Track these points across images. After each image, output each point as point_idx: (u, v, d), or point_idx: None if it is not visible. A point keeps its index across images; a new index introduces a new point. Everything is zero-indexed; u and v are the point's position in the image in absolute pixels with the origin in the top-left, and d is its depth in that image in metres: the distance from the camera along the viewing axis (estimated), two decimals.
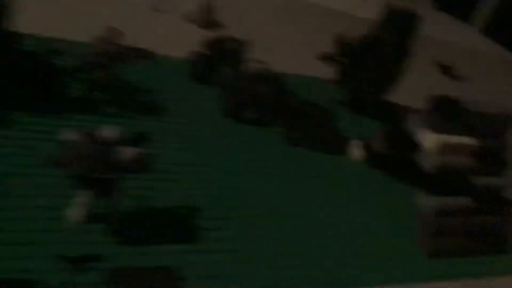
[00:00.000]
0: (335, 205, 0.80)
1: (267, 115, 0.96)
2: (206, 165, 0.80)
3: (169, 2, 1.40)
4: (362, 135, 0.99)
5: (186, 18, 1.36)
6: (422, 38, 2.01)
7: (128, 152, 0.54)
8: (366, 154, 0.93)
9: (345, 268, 0.68)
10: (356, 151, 0.96)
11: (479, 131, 0.79)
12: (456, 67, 1.69)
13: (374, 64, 1.06)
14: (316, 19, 1.78)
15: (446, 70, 1.65)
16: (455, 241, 0.75)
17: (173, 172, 0.75)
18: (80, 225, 0.60)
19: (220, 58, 1.00)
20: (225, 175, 0.79)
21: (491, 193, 0.79)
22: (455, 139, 0.76)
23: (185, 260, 0.61)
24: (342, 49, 1.05)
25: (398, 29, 1.01)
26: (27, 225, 0.58)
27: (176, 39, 1.23)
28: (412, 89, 1.45)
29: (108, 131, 0.55)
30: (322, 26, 1.69)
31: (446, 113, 0.76)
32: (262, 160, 0.86)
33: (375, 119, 1.13)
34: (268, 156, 0.88)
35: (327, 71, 1.14)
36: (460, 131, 0.77)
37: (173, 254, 0.61)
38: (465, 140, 0.77)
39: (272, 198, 0.77)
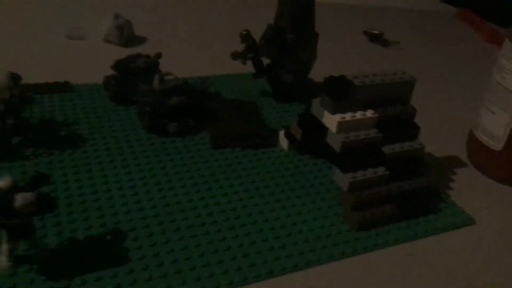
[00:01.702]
0: (264, 200, 0.82)
1: (189, 124, 0.98)
2: (132, 186, 0.81)
3: (85, 27, 1.40)
4: (288, 123, 1.02)
5: (105, 40, 1.37)
6: (351, 8, 2.05)
7: (20, 198, 0.56)
8: (290, 142, 0.96)
9: (277, 257, 0.71)
10: (284, 141, 0.98)
11: (378, 102, 0.82)
12: (386, 33, 1.73)
13: (284, 53, 1.09)
14: (229, 12, 1.80)
15: (375, 38, 1.68)
16: (379, 210, 0.79)
17: (100, 199, 0.77)
18: (9, 270, 0.62)
19: (133, 76, 1.02)
20: (151, 192, 0.81)
21: (403, 158, 0.83)
22: (354, 115, 0.79)
23: (118, 283, 0.63)
24: (248, 45, 1.07)
25: (293, 15, 1.03)
26: None
27: (96, 63, 1.24)
28: (345, 63, 1.49)
29: (1, 181, 0.57)
30: (236, 20, 1.70)
31: (339, 92, 0.79)
32: (190, 169, 0.88)
33: (304, 105, 1.16)
34: (198, 164, 0.90)
35: (245, 67, 1.16)
36: (358, 106, 0.81)
37: (105, 279, 0.64)
38: (365, 114, 0.80)
39: (203, 205, 0.79)
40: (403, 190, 0.81)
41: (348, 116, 0.79)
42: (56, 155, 0.86)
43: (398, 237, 0.77)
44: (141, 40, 1.39)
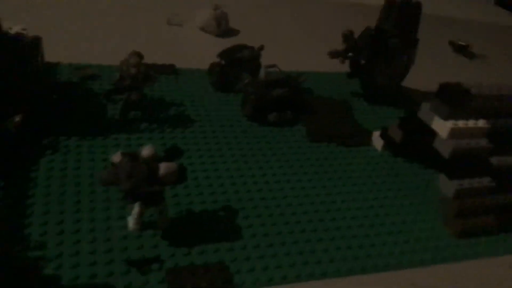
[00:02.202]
0: (362, 196, 0.84)
1: (288, 116, 1.02)
2: (238, 169, 0.86)
3: (183, 14, 1.46)
4: (382, 125, 1.03)
5: (201, 29, 1.42)
6: (438, 19, 2.02)
7: (164, 167, 0.61)
8: (385, 143, 0.97)
9: (380, 253, 0.73)
10: (377, 142, 1.00)
11: (491, 113, 0.82)
12: (471, 45, 1.70)
13: (383, 56, 1.09)
14: (322, 11, 1.82)
15: (460, 49, 1.66)
16: (481, 220, 0.79)
17: (210, 177, 0.82)
18: (136, 232, 0.68)
19: (236, 65, 1.06)
20: (256, 176, 0.84)
21: (510, 171, 0.82)
22: (466, 123, 0.80)
23: (234, 257, 0.67)
24: (349, 45, 1.09)
25: (399, 20, 1.04)
26: (92, 236, 0.66)
27: (194, 50, 1.30)
28: (429, 71, 1.47)
29: (146, 150, 0.62)
30: (330, 19, 1.72)
31: (455, 99, 0.79)
32: (289, 159, 0.91)
33: (393, 108, 1.17)
34: (295, 154, 0.93)
35: (341, 66, 1.18)
36: (471, 115, 0.81)
37: (222, 251, 0.68)
38: (477, 123, 0.80)
39: (305, 194, 0.82)
40: (507, 203, 0.80)
41: (460, 123, 0.79)
42: (168, 132, 0.91)
43: (498, 248, 0.77)
44: (235, 32, 1.44)
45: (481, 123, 0.81)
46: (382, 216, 0.81)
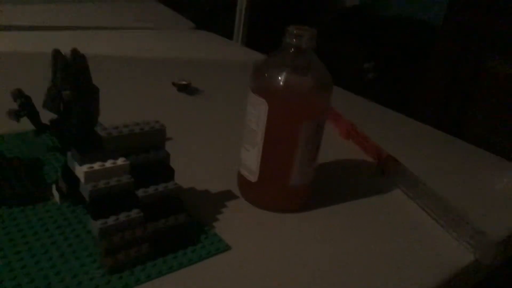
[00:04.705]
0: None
1: None
2: None
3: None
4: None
5: None
6: (162, 62, 2.18)
7: None
8: (59, 195, 0.97)
9: None
10: (56, 194, 1.00)
11: (129, 151, 0.89)
12: (192, 83, 1.87)
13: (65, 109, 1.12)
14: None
15: (183, 88, 1.81)
16: (134, 252, 0.83)
17: None
18: None
19: None
20: None
21: (158, 199, 0.90)
22: (103, 164, 0.85)
23: None
24: (22, 102, 1.08)
25: (63, 75, 1.08)
26: None
27: None
28: (156, 112, 1.56)
29: None
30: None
31: (87, 144, 0.84)
32: None
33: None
34: None
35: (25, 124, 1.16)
36: (108, 156, 0.86)
37: None
38: (116, 162, 0.86)
39: None
40: (159, 229, 0.88)
41: (96, 165, 0.84)
42: None
43: (151, 273, 0.83)
44: None
45: (120, 161, 0.87)
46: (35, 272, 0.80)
